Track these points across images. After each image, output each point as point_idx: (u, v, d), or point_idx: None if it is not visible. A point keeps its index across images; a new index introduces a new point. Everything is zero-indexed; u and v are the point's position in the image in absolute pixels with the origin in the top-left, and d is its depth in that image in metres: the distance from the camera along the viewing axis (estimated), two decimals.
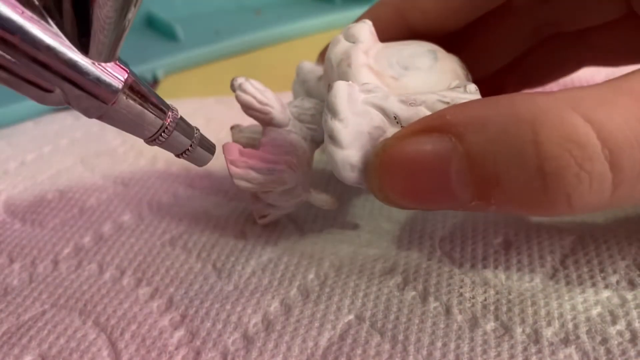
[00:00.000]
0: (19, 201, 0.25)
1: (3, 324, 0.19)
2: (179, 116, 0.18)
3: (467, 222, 0.22)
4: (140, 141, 0.18)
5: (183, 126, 0.18)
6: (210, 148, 0.19)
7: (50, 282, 0.21)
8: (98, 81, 0.16)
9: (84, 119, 0.32)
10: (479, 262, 0.20)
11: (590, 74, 0.31)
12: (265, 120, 0.21)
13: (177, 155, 0.19)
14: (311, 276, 0.20)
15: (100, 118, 0.17)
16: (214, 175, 0.25)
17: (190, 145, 0.19)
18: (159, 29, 0.41)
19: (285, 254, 0.21)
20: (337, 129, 0.17)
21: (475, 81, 0.21)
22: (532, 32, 0.25)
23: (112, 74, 0.16)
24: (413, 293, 0.19)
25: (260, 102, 0.20)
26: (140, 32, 0.41)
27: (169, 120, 0.18)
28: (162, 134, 0.18)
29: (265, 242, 0.22)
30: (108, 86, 0.16)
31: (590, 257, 0.20)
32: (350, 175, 0.17)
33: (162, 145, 0.18)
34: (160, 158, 0.27)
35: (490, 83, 0.26)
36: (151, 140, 0.18)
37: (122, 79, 0.17)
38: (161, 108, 0.18)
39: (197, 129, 0.19)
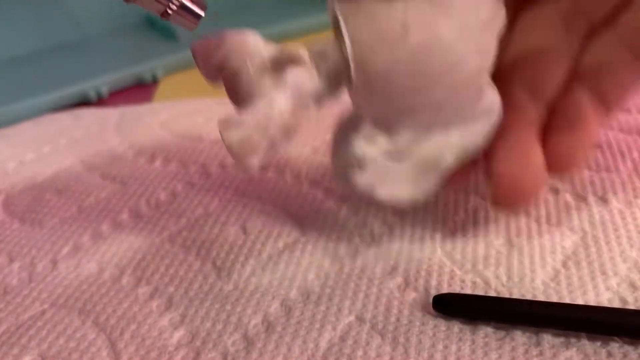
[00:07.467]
0: (18, 201, 0.25)
1: (2, 324, 0.19)
2: None
3: (468, 222, 0.22)
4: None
5: None
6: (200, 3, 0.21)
7: (49, 282, 0.21)
8: None
9: (83, 118, 0.31)
10: (480, 263, 0.20)
11: None
12: None
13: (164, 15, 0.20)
14: (311, 276, 0.20)
15: None
16: (212, 172, 0.25)
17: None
18: (159, 29, 0.41)
19: (285, 252, 0.21)
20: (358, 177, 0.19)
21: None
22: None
23: None
24: (414, 294, 0.19)
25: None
26: (141, 32, 0.41)
27: None
28: None
29: (266, 238, 0.22)
30: None
31: (592, 259, 0.19)
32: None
33: None
34: (158, 156, 0.27)
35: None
36: None
37: None
38: None
39: None
